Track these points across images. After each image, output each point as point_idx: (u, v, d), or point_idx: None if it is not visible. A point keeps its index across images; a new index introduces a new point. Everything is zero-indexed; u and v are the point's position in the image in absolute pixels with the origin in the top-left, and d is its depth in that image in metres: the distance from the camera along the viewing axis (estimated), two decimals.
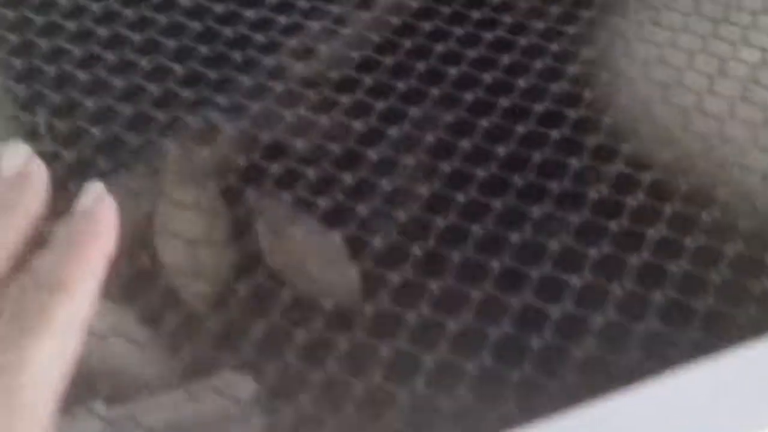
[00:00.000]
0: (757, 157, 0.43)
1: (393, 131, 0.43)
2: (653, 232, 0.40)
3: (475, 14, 0.49)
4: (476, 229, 0.40)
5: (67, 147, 0.42)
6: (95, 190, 0.31)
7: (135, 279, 0.38)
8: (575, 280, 0.38)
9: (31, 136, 0.43)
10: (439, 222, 0.40)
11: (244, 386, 0.37)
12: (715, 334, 0.36)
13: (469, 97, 0.45)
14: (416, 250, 0.39)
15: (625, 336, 0.37)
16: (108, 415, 0.34)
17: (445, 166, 0.42)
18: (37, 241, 0.29)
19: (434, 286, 0.38)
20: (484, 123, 0.44)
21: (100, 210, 0.30)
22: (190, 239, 0.42)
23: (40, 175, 0.30)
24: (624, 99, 0.46)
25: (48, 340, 0.26)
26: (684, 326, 0.37)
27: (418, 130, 0.44)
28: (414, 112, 0.44)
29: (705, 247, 0.40)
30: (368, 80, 0.46)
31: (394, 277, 0.38)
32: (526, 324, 0.37)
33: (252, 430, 0.42)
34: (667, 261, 0.39)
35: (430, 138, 0.44)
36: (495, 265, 0.38)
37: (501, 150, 0.43)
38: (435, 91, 0.45)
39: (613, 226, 0.40)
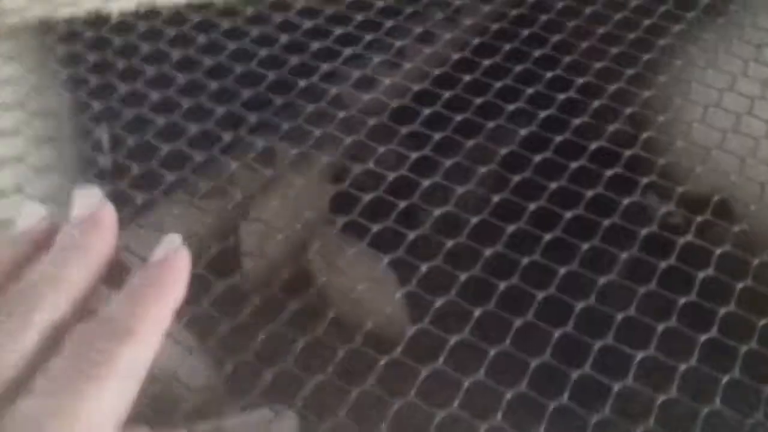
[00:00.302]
0: None
1: (447, 162, 0.44)
2: (702, 274, 0.40)
3: (536, 52, 0.50)
4: (524, 259, 0.40)
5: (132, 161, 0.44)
6: (173, 242, 0.32)
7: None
8: (619, 315, 0.38)
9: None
10: (487, 251, 0.40)
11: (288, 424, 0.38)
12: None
13: (523, 132, 0.46)
14: (462, 277, 0.40)
15: (667, 372, 0.37)
16: None
17: (496, 198, 0.43)
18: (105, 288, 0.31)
19: (477, 312, 0.38)
20: (537, 158, 0.44)
21: (175, 261, 0.31)
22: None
23: (110, 218, 0.32)
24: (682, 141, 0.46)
25: (109, 384, 0.27)
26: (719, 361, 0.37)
27: (472, 162, 0.45)
28: (469, 144, 0.45)
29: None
30: (426, 111, 0.47)
31: (438, 302, 0.39)
32: (567, 355, 0.37)
33: None
34: (715, 303, 0.39)
35: (482, 169, 0.44)
36: (539, 295, 0.39)
37: (552, 184, 0.43)
38: (490, 125, 0.46)
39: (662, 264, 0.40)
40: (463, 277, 0.40)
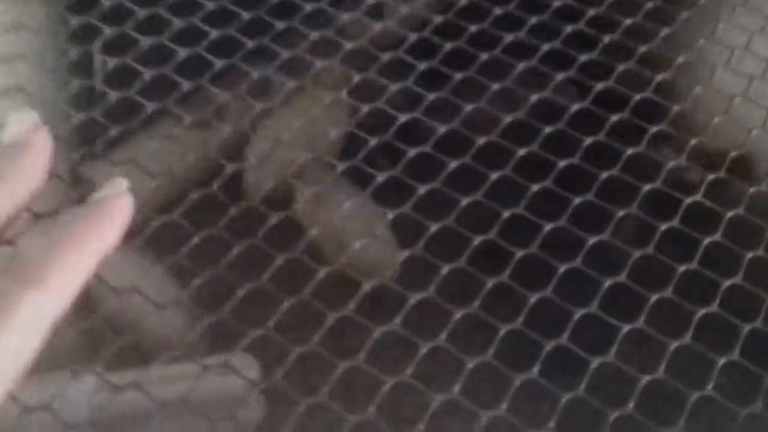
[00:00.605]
0: None
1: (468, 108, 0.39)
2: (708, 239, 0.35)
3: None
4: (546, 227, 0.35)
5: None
6: (118, 186, 0.29)
7: (167, 234, 0.35)
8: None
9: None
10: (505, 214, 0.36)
11: (251, 368, 0.35)
12: None
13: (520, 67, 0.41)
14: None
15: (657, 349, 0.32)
16: (112, 379, 0.31)
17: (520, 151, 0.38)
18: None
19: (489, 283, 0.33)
20: (533, 98, 0.39)
21: (112, 206, 0.28)
22: None
23: (43, 146, 0.29)
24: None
25: (4, 335, 0.24)
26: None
27: (495, 110, 0.39)
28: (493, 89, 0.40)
29: None
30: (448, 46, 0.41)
31: (444, 268, 0.34)
32: (585, 340, 0.32)
33: (253, 413, 0.39)
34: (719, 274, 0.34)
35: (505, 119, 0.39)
36: (558, 266, 0.34)
37: (547, 128, 0.38)
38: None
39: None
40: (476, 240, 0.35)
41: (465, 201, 0.36)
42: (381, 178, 0.37)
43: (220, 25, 0.41)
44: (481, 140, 0.38)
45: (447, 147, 0.38)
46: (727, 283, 0.34)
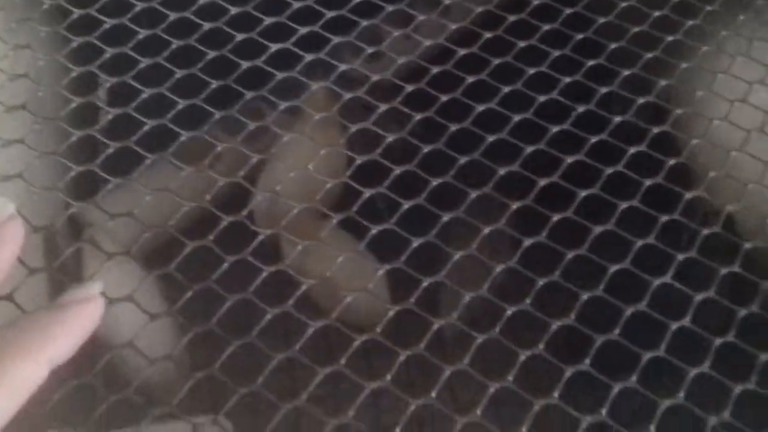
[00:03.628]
0: None
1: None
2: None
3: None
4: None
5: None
6: (89, 290, 0.29)
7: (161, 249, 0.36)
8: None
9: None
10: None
11: None
12: None
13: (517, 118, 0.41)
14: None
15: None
16: None
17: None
18: None
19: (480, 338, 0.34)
20: (528, 149, 0.39)
21: (80, 313, 0.29)
22: None
23: (13, 239, 0.30)
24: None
25: None
26: None
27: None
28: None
29: None
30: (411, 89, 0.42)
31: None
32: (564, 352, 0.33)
33: None
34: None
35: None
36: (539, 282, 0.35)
37: (542, 181, 0.38)
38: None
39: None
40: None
41: (458, 255, 0.36)
42: (375, 230, 0.37)
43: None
44: (473, 194, 0.38)
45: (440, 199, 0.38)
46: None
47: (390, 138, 0.40)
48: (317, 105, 0.43)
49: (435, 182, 0.38)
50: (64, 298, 0.29)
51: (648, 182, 0.39)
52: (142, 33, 0.42)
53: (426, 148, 0.40)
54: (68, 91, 0.41)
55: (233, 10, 0.44)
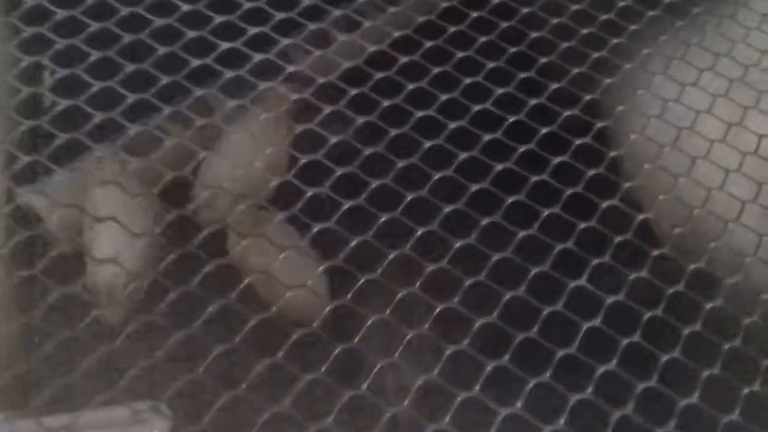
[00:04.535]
0: None
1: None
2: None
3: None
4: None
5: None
6: None
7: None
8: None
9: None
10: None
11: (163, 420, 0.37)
12: None
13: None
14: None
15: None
16: (45, 423, 0.32)
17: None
18: None
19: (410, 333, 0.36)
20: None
21: None
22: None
23: None
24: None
25: None
26: None
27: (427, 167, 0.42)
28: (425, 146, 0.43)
29: None
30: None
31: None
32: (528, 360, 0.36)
33: None
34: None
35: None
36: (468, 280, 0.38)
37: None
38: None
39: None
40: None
41: (392, 253, 0.38)
42: (316, 228, 0.39)
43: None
44: (410, 196, 0.40)
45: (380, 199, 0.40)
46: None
47: (333, 139, 0.42)
48: (265, 104, 0.45)
49: (375, 183, 0.41)
50: None
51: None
52: (94, 26, 0.43)
53: (367, 151, 0.42)
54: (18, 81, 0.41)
55: (184, 7, 0.45)
